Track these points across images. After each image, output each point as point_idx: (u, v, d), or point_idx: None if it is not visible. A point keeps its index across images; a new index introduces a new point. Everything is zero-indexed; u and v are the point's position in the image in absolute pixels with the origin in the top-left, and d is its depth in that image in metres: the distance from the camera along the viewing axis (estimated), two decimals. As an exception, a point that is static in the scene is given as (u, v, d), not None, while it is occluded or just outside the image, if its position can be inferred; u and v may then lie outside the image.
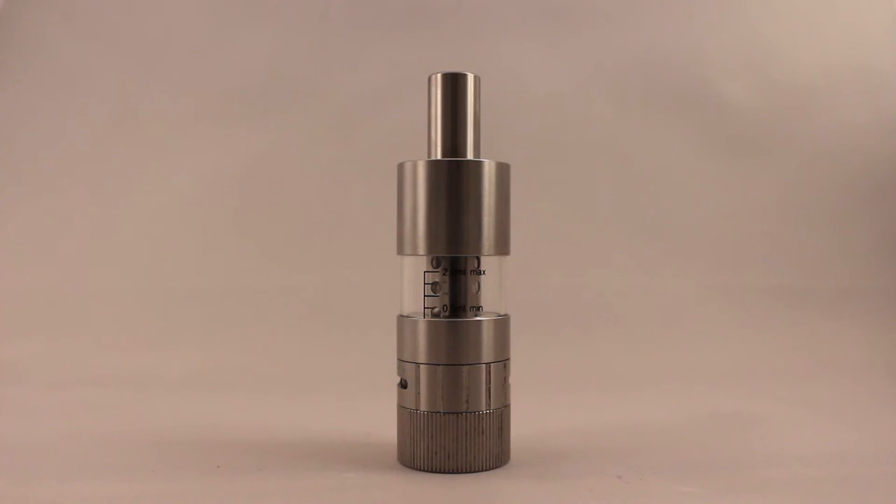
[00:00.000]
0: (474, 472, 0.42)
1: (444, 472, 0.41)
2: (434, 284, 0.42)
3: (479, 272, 0.43)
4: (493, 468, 0.42)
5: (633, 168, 0.88)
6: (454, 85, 0.43)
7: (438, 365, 0.41)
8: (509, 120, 0.85)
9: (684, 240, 0.86)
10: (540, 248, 0.83)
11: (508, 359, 0.43)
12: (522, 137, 0.87)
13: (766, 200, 0.88)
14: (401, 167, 0.43)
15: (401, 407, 0.43)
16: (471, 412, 0.41)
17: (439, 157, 0.43)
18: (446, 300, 0.42)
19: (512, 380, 0.44)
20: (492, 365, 0.42)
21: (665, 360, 0.74)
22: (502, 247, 0.43)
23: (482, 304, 0.43)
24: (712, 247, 0.86)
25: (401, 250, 0.43)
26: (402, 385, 0.43)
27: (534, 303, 0.78)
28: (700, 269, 0.85)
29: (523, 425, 0.47)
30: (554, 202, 0.86)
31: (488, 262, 0.43)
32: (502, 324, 0.43)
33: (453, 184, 0.41)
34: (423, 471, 0.42)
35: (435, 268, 0.42)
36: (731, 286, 0.84)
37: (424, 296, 0.42)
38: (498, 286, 0.44)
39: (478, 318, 0.42)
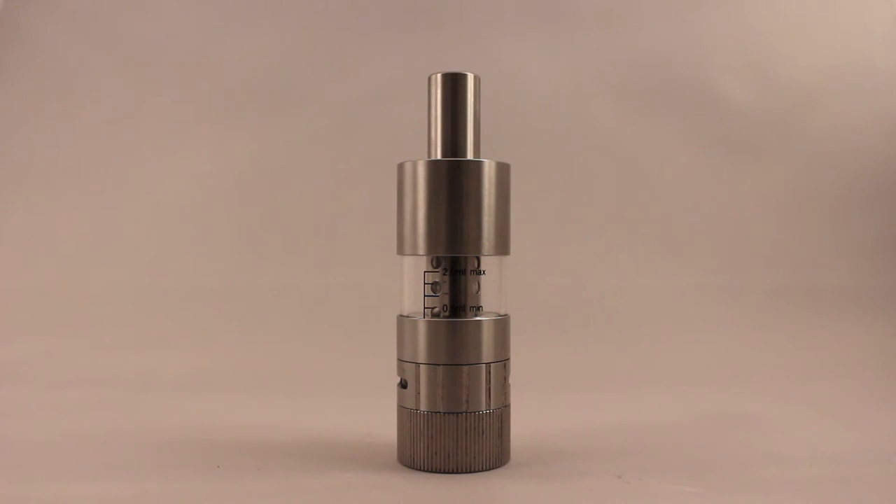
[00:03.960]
0: (474, 472, 0.42)
1: (444, 472, 0.41)
2: (434, 284, 0.42)
3: (479, 272, 0.43)
4: (493, 468, 0.42)
5: (633, 168, 0.88)
6: (454, 85, 0.42)
7: (438, 365, 0.41)
8: (509, 120, 0.85)
9: (684, 239, 0.86)
10: (540, 248, 0.83)
11: (508, 359, 0.43)
12: (522, 137, 0.87)
13: (766, 200, 0.88)
14: (401, 167, 0.43)
15: (401, 407, 0.43)
16: (471, 412, 0.41)
17: (439, 157, 0.42)
18: (446, 300, 0.42)
19: (512, 380, 0.44)
20: (492, 365, 0.42)
21: (665, 360, 0.74)
22: (502, 247, 0.43)
23: (482, 304, 0.43)
24: (712, 247, 0.86)
25: (401, 250, 0.43)
26: (402, 385, 0.43)
27: (534, 303, 0.78)
28: (700, 268, 0.85)
29: (523, 425, 0.47)
30: (554, 202, 0.86)
31: (488, 262, 0.43)
32: (502, 324, 0.43)
33: (453, 184, 0.41)
34: (423, 471, 0.42)
35: (435, 268, 0.42)
36: (731, 286, 0.84)
37: (424, 296, 0.42)
38: (498, 286, 0.44)
39: (478, 318, 0.42)
